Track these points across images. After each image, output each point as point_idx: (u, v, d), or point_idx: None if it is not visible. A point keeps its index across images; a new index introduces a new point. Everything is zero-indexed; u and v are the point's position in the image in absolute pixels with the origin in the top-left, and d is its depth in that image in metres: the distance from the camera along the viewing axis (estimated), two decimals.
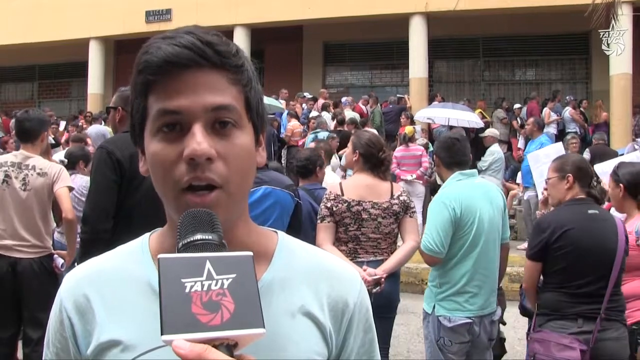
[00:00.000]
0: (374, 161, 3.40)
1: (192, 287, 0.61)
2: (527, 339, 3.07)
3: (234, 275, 0.63)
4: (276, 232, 0.93)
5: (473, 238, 3.12)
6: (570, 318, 2.79)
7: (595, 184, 2.96)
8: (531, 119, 9.41)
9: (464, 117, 10.63)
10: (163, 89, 0.77)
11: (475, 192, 3.21)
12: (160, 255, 0.63)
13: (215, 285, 0.61)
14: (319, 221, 3.37)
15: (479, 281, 3.13)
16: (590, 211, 2.87)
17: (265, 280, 0.84)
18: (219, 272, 0.62)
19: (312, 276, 0.88)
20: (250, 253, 0.66)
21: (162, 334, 0.58)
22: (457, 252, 3.13)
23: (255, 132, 0.84)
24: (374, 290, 3.06)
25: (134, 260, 0.87)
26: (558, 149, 4.60)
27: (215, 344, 0.59)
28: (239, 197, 0.81)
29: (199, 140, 0.75)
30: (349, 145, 3.58)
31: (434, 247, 3.09)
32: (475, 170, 3.51)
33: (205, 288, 0.61)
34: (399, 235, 3.44)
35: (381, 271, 3.17)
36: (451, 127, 11.09)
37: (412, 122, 11.43)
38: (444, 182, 3.37)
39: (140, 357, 0.78)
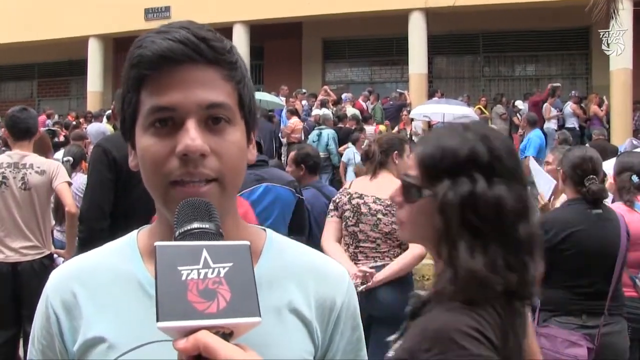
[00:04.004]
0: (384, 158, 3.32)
1: (188, 275, 0.60)
2: None
3: (230, 264, 0.62)
4: (265, 230, 0.93)
5: None
6: (575, 314, 2.80)
7: (587, 183, 2.80)
8: (524, 115, 9.43)
9: (460, 111, 10.58)
10: (156, 84, 0.76)
11: None
12: (157, 243, 0.62)
13: (212, 273, 0.61)
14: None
15: None
16: (594, 211, 2.83)
17: None
18: (215, 261, 0.62)
19: (300, 274, 0.88)
20: (248, 242, 0.65)
21: (157, 321, 0.58)
22: None
23: (247, 129, 0.84)
24: (359, 289, 2.96)
25: (122, 257, 0.86)
26: (535, 166, 4.55)
27: (211, 332, 0.58)
28: (230, 193, 0.81)
29: (193, 137, 0.74)
30: None
31: None
32: None
33: (201, 276, 0.60)
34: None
35: (375, 274, 3.03)
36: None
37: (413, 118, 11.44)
38: None
39: (127, 354, 0.78)
